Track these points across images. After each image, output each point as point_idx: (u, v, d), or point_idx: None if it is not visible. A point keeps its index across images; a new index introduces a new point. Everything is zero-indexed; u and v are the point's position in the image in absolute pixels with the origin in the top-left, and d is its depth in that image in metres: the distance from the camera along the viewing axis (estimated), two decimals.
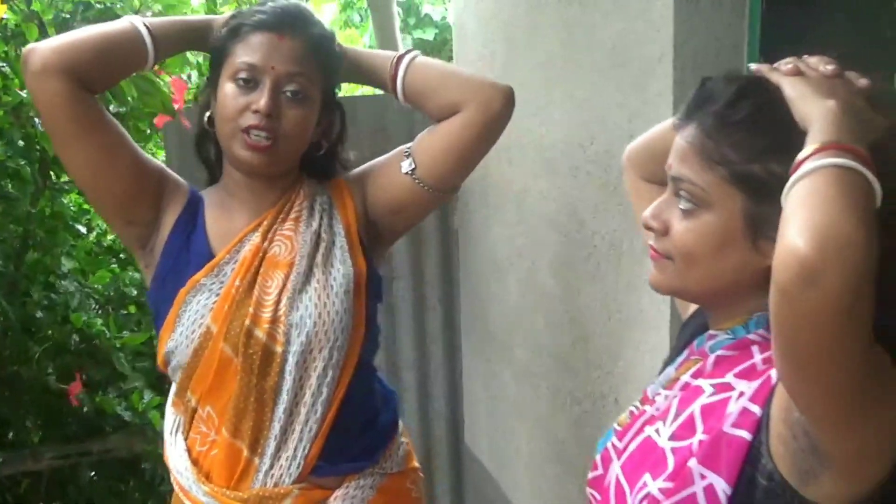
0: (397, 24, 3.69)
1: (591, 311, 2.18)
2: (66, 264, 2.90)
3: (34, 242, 2.82)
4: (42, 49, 1.44)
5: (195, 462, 1.66)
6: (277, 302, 1.57)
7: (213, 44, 1.59)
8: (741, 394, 1.00)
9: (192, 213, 1.64)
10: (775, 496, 0.94)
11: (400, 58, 1.63)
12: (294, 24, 1.54)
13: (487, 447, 3.12)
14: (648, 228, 1.08)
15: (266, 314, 1.56)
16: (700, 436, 1.01)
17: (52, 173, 2.83)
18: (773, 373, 0.97)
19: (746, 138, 0.99)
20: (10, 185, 2.70)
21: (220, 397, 1.60)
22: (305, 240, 1.61)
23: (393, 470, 1.75)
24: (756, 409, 0.97)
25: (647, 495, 1.03)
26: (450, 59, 3.45)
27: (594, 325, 2.18)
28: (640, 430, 1.12)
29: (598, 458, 1.19)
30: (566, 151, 2.25)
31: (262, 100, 1.49)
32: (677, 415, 1.06)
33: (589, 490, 1.20)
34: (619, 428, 1.17)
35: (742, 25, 1.71)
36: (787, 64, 1.01)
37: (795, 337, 0.81)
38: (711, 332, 1.10)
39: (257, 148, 1.51)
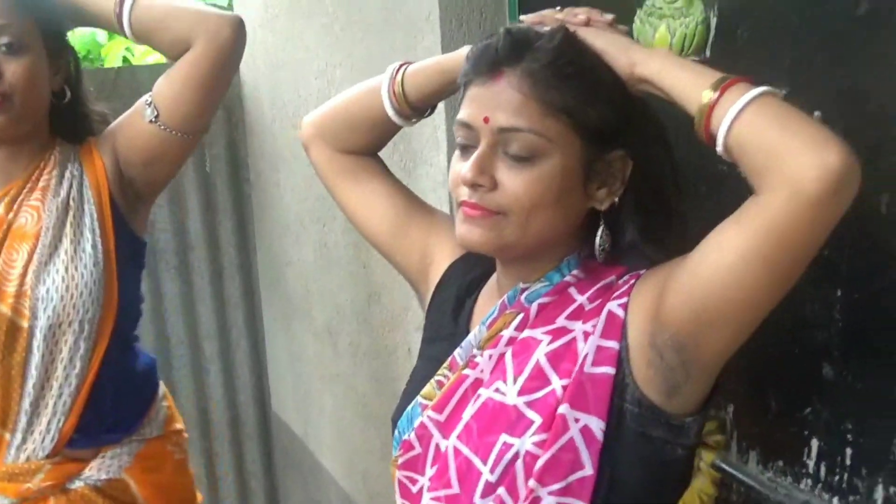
0: None
1: (381, 266, 2.24)
2: None
3: None
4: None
5: None
6: (23, 275, 1.56)
7: None
8: (586, 334, 1.03)
9: None
10: (643, 418, 1.01)
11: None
12: None
13: (294, 410, 3.17)
14: (473, 185, 1.02)
15: (10, 288, 1.55)
16: (559, 383, 1.02)
17: None
18: (615, 307, 1.02)
19: (583, 86, 1.02)
20: None
21: None
22: (52, 210, 1.58)
23: (152, 434, 1.77)
24: (613, 344, 1.01)
25: (516, 455, 1.02)
26: None
27: (385, 281, 2.24)
28: (470, 395, 1.10)
29: (410, 437, 1.15)
30: None
31: None
32: (518, 371, 1.06)
33: (402, 473, 1.17)
34: (427, 402, 1.14)
35: None
36: (575, 15, 1.08)
37: (803, 240, 0.87)
38: (522, 285, 1.10)
39: None
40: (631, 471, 1.02)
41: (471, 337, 1.13)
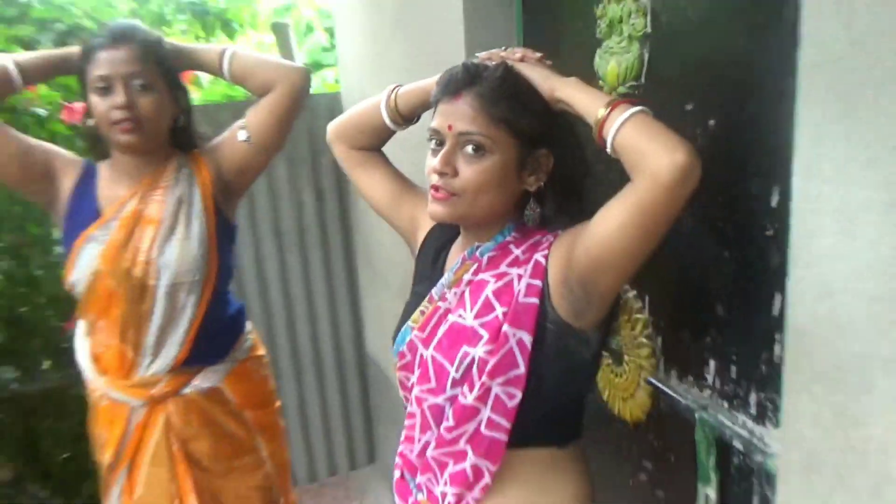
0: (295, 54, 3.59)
1: None
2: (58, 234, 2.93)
3: (33, 218, 2.87)
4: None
5: (95, 360, 1.74)
6: (149, 249, 1.64)
7: (75, 69, 1.63)
8: (520, 276, 1.10)
9: (87, 180, 1.69)
10: (559, 333, 1.09)
11: (223, 50, 1.69)
12: (124, 36, 1.58)
13: (381, 350, 3.15)
14: (441, 173, 1.09)
15: (141, 258, 1.63)
16: (501, 310, 1.09)
17: None
18: (539, 257, 1.10)
19: (517, 104, 1.08)
20: None
21: (110, 315, 1.68)
22: (170, 202, 1.66)
23: (240, 358, 1.84)
24: (537, 282, 1.09)
25: (473, 360, 1.09)
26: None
27: None
28: (442, 320, 1.17)
29: (403, 349, 1.21)
30: None
31: (117, 98, 1.54)
32: (473, 302, 1.13)
33: (401, 374, 1.23)
34: (414, 325, 1.20)
35: (512, 32, 1.86)
36: (514, 53, 1.15)
37: (661, 214, 0.95)
38: (477, 243, 1.17)
39: (126, 131, 1.56)
40: (550, 369, 1.10)
41: (443, 279, 1.20)
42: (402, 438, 1.25)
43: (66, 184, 1.68)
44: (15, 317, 2.86)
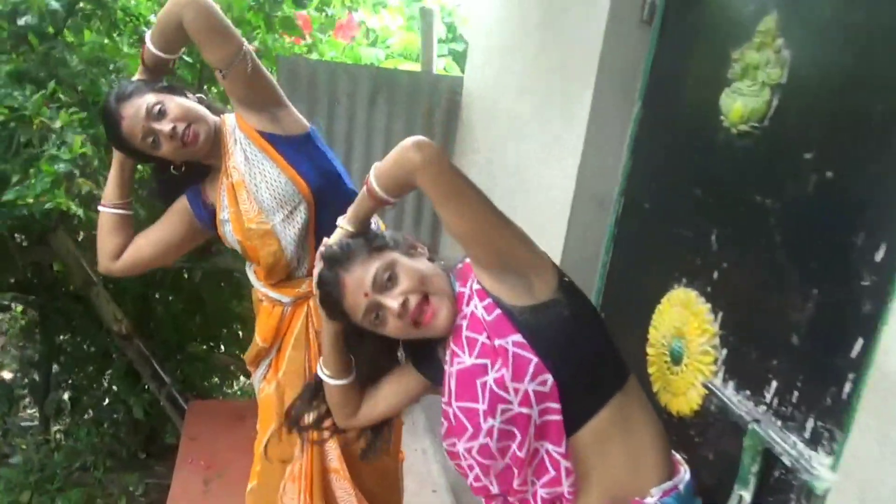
0: (436, 37, 3.37)
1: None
2: None
3: None
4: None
5: (256, 276, 1.77)
6: (252, 202, 1.62)
7: (135, 158, 1.64)
8: (475, 305, 1.11)
9: (195, 200, 1.70)
10: (532, 314, 1.07)
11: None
12: (119, 100, 1.54)
13: None
14: (405, 307, 1.10)
15: (252, 214, 1.62)
16: (482, 336, 1.09)
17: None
18: (475, 284, 1.12)
19: (361, 249, 1.15)
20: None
21: (259, 262, 1.69)
22: (239, 163, 1.62)
23: None
24: (488, 301, 1.09)
25: (491, 387, 1.06)
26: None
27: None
28: (449, 378, 1.14)
29: (443, 419, 1.18)
30: None
31: (163, 130, 1.52)
32: (461, 347, 1.12)
33: (446, 444, 1.18)
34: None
35: (642, 58, 1.77)
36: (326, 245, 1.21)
37: (447, 178, 1.06)
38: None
39: (194, 139, 1.55)
40: (551, 342, 1.06)
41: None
42: (475, 493, 1.19)
43: (193, 217, 1.72)
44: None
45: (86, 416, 3.48)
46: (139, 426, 3.35)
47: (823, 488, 1.09)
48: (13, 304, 3.53)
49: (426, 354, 1.25)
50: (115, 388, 3.32)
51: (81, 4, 2.34)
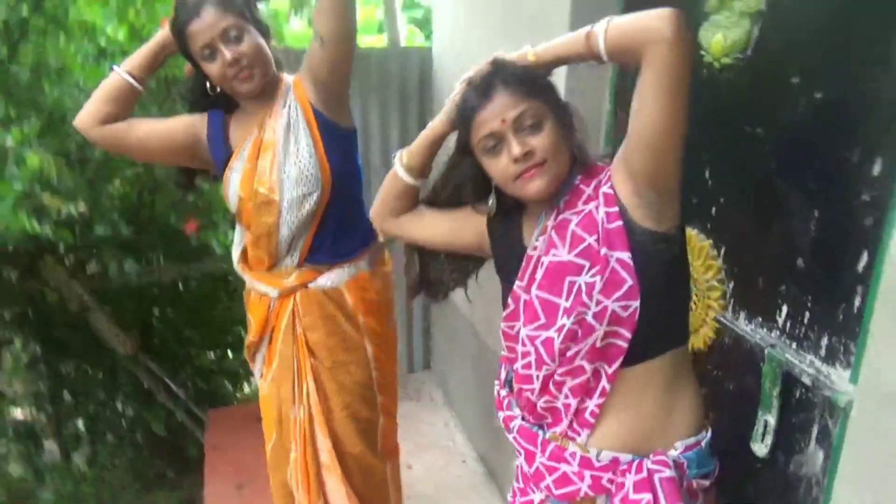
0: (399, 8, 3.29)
1: None
2: None
3: None
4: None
5: (243, 259, 1.77)
6: (271, 170, 1.60)
7: (176, 49, 1.57)
8: (596, 207, 1.06)
9: (216, 128, 1.65)
10: (648, 240, 1.03)
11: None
12: (202, 1, 1.48)
13: None
14: (523, 155, 1.05)
15: (265, 178, 1.60)
16: (591, 238, 1.05)
17: None
18: (606, 189, 1.06)
19: (530, 78, 1.07)
20: None
21: (251, 227, 1.67)
22: (280, 127, 1.59)
23: (364, 269, 1.76)
24: (614, 209, 1.05)
25: (580, 287, 1.05)
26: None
27: None
28: (537, 265, 1.12)
29: (509, 300, 1.16)
30: None
31: (226, 55, 1.48)
32: (562, 240, 1.08)
33: (505, 325, 1.18)
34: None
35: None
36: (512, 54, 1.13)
37: (680, 68, 0.93)
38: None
39: (246, 78, 1.52)
40: (653, 273, 1.04)
41: (535, 234, 1.14)
42: (517, 381, 1.18)
43: (202, 138, 1.67)
44: (143, 219, 2.86)
45: (105, 442, 3.49)
46: (160, 443, 3.37)
47: (845, 401, 1.13)
48: (14, 338, 3.51)
49: (507, 225, 1.21)
50: (129, 410, 3.32)
51: (33, 21, 2.29)
